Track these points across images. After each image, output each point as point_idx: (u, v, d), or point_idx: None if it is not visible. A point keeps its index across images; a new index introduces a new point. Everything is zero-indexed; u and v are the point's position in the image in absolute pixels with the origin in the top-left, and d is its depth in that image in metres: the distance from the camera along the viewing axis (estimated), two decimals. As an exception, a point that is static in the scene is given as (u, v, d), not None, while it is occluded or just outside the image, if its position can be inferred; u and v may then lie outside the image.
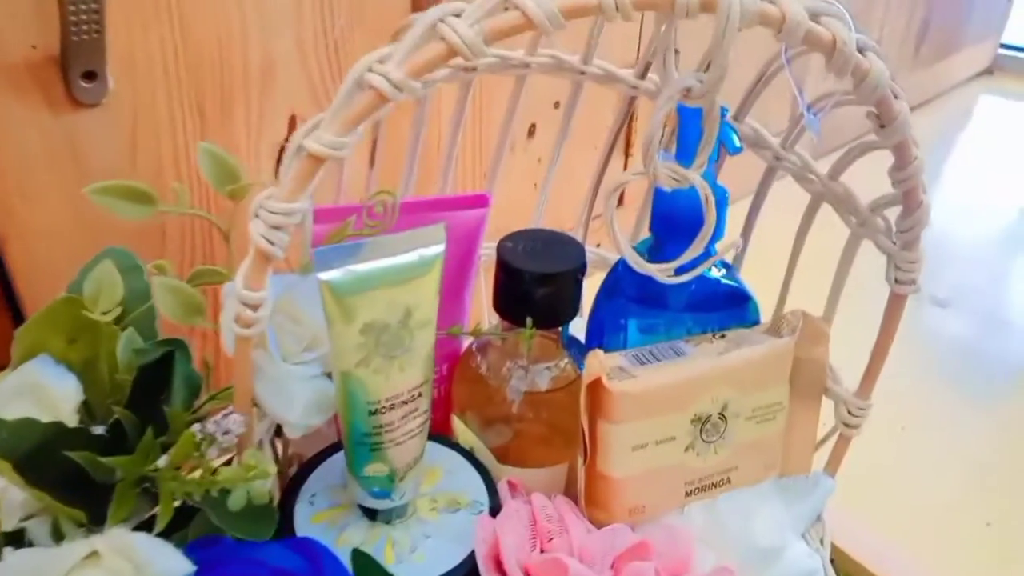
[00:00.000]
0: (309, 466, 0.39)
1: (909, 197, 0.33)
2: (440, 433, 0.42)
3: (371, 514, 0.36)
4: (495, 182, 0.50)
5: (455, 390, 0.43)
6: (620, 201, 0.56)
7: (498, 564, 0.34)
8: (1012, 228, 1.11)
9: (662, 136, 0.39)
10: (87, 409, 0.35)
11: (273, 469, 0.28)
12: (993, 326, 0.88)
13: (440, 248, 0.31)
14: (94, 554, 0.29)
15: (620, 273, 0.44)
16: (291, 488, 0.37)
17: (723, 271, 0.43)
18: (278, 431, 0.40)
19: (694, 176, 0.33)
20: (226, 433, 0.30)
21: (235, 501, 0.27)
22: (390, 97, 0.25)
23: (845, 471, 0.43)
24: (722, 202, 0.40)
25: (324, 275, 0.29)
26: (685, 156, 0.35)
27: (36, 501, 0.31)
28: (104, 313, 0.34)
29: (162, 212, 0.30)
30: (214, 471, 0.28)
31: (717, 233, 0.40)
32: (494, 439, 0.41)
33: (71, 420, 0.33)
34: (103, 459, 0.29)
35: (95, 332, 0.36)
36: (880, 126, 0.30)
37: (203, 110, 0.48)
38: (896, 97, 0.29)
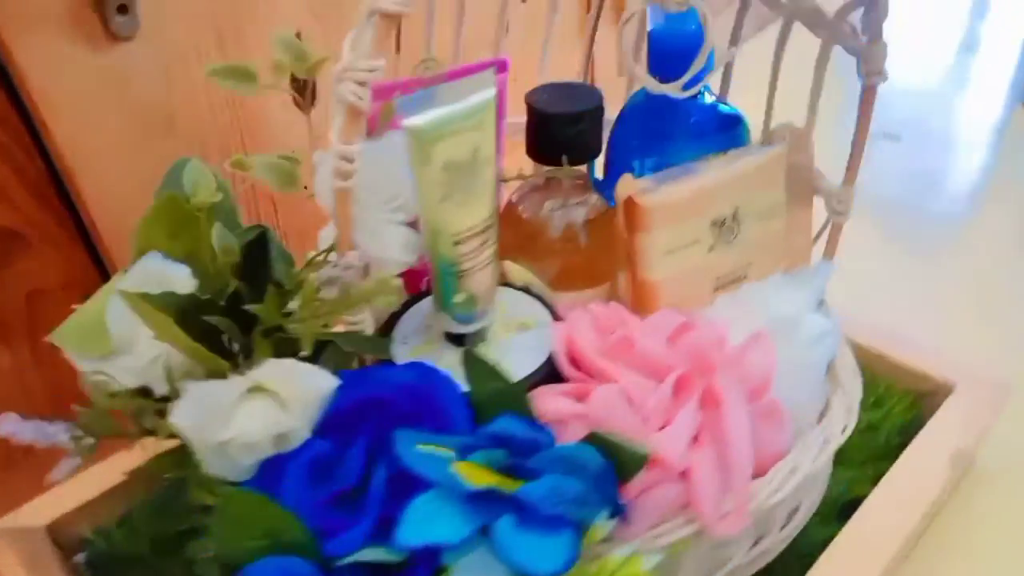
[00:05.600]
0: (394, 318, 0.45)
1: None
2: (495, 277, 0.48)
3: (459, 340, 0.42)
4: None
5: (502, 238, 0.48)
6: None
7: (573, 359, 0.41)
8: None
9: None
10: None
11: (398, 283, 0.34)
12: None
13: (493, 91, 0.36)
14: (255, 387, 0.35)
15: (626, 117, 0.50)
16: (384, 335, 0.43)
17: (714, 98, 0.49)
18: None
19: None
20: (347, 269, 0.35)
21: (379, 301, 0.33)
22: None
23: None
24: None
25: (408, 122, 0.34)
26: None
27: (191, 359, 0.36)
28: (200, 205, 0.39)
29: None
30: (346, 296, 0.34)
31: (708, 62, 0.45)
32: (542, 274, 0.47)
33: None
34: (247, 307, 0.35)
35: (192, 227, 0.41)
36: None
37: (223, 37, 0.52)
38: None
